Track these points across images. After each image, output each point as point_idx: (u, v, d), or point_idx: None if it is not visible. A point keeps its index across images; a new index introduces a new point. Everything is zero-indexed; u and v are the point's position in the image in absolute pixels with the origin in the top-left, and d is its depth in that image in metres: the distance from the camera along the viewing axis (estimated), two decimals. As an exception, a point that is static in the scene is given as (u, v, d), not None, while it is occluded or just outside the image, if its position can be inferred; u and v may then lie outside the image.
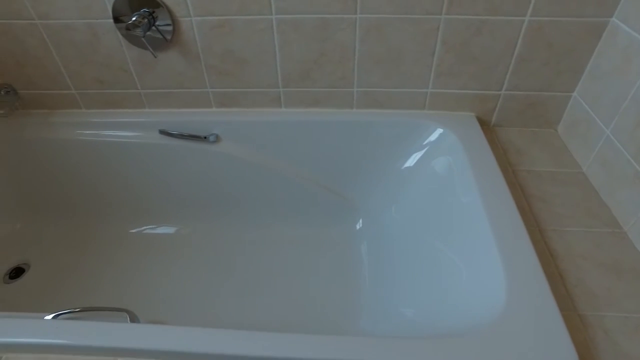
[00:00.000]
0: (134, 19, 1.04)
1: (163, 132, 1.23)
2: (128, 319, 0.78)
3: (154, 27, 1.08)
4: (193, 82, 1.19)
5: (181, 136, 1.23)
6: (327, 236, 1.33)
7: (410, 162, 1.21)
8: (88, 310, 0.79)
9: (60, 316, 0.78)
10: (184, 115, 1.23)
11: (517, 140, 1.20)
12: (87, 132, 1.28)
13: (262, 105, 1.22)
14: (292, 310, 1.17)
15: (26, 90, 1.26)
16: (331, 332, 0.95)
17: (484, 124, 1.23)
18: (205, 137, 1.22)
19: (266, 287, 1.24)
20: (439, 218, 1.09)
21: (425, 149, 1.19)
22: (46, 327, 0.75)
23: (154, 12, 1.07)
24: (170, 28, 1.08)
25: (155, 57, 1.11)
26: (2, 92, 1.25)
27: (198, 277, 1.28)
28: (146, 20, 1.05)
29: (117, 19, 1.08)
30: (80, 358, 0.74)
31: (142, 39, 1.07)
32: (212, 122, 1.21)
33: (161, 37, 1.10)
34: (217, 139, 1.23)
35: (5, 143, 1.30)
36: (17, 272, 1.33)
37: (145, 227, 1.44)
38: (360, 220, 1.31)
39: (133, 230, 1.44)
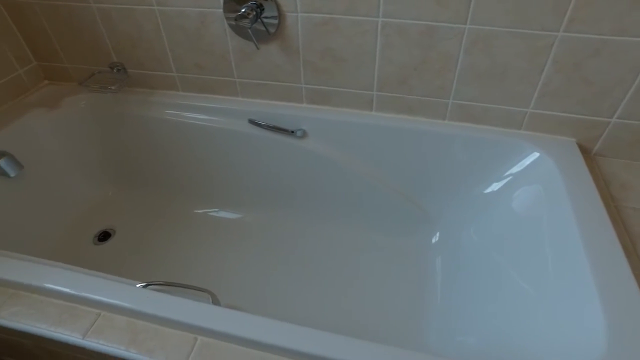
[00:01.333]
0: (243, 10, 1.08)
1: (252, 122, 1.27)
2: (210, 300, 0.81)
3: (259, 20, 1.11)
4: (288, 76, 1.21)
5: (269, 128, 1.26)
6: (402, 245, 1.31)
7: (499, 183, 1.16)
8: (175, 286, 0.82)
9: (149, 286, 0.82)
10: (275, 107, 1.26)
11: (622, 174, 1.10)
12: (181, 113, 1.34)
13: (353, 107, 1.22)
14: (358, 313, 1.16)
15: (134, 70, 1.35)
16: (395, 342, 0.93)
17: (584, 151, 1.14)
18: (292, 132, 1.24)
19: (334, 287, 1.24)
20: (522, 248, 1.02)
21: (517, 171, 1.13)
22: (139, 295, 0.79)
23: (261, 5, 1.09)
24: (275, 22, 1.10)
25: (258, 48, 1.14)
26: (114, 70, 1.35)
27: (265, 266, 1.31)
28: (254, 12, 1.08)
29: (226, 10, 1.12)
30: (164, 329, 0.78)
31: (249, 30, 1.10)
32: (301, 118, 1.23)
33: (264, 29, 1.12)
34: (304, 134, 1.24)
35: (110, 116, 1.40)
36: (104, 236, 1.44)
37: (210, 210, 1.50)
38: (438, 234, 1.27)
39: (198, 211, 1.51)
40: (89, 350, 0.79)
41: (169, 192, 1.53)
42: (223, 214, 1.49)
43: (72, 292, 0.81)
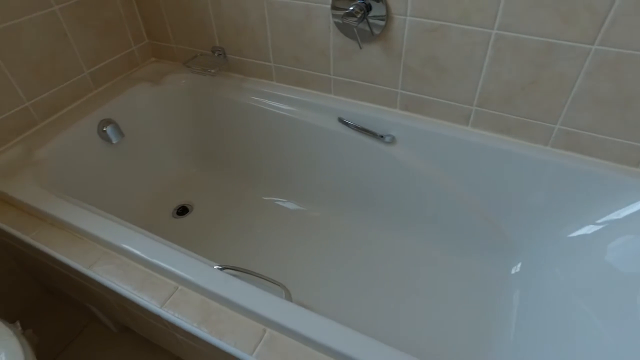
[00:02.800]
0: (351, 8, 1.06)
1: (342, 121, 1.26)
2: (283, 295, 0.81)
3: (365, 20, 1.09)
4: (385, 80, 1.18)
5: (358, 129, 1.24)
6: (477, 268, 1.23)
7: (599, 225, 1.05)
8: (252, 274, 0.83)
9: (226, 270, 0.84)
10: (366, 109, 1.24)
11: None
12: (271, 102, 1.36)
13: (448, 119, 1.17)
14: (422, 332, 1.12)
15: (233, 55, 1.39)
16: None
17: None
18: (381, 136, 1.21)
19: (401, 301, 1.20)
20: (615, 304, 0.92)
21: (623, 216, 1.02)
22: (217, 277, 0.81)
23: (370, 4, 1.07)
24: (381, 23, 1.08)
25: (361, 48, 1.12)
26: (215, 54, 1.40)
27: (331, 266, 1.30)
28: (362, 11, 1.07)
29: (334, 6, 1.11)
30: (235, 315, 0.80)
31: (354, 28, 1.09)
32: (392, 123, 1.20)
33: (369, 30, 1.10)
34: (393, 140, 1.21)
35: (205, 97, 1.46)
36: (182, 210, 1.50)
37: (277, 199, 1.52)
38: (519, 266, 1.18)
39: (266, 198, 1.53)
40: (164, 319, 0.83)
41: (245, 177, 1.57)
42: (289, 205, 1.51)
43: (157, 262, 0.85)
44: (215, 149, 1.58)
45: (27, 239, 0.98)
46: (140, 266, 0.89)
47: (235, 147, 1.53)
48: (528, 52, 0.97)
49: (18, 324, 0.89)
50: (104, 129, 1.33)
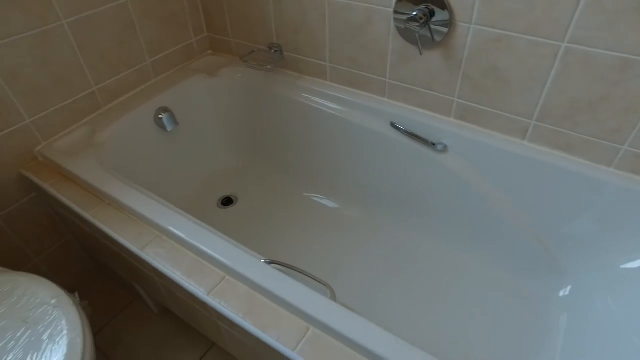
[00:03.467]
0: (414, 13, 1.05)
1: (394, 126, 1.25)
2: (329, 295, 0.81)
3: (427, 25, 1.08)
4: (442, 87, 1.16)
5: (410, 135, 1.22)
6: (522, 287, 1.20)
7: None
8: (299, 272, 0.84)
9: (273, 264, 0.85)
10: (419, 115, 1.22)
11: None
12: (324, 102, 1.37)
13: (504, 132, 1.13)
14: (462, 344, 1.10)
15: (290, 53, 1.41)
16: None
17: None
18: (433, 144, 1.19)
19: (436, 309, 1.18)
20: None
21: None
22: (264, 271, 0.83)
23: (434, 10, 1.06)
24: (444, 30, 1.06)
25: (421, 54, 1.11)
26: (272, 51, 1.42)
27: (369, 270, 1.30)
28: (425, 17, 1.05)
29: (396, 10, 1.10)
30: (280, 310, 0.81)
31: (416, 34, 1.08)
32: (445, 132, 1.18)
33: (430, 36, 1.09)
34: (445, 149, 1.19)
35: (259, 92, 1.48)
36: (227, 201, 1.54)
37: (315, 195, 1.54)
38: (568, 289, 1.13)
39: (305, 194, 1.55)
40: (209, 307, 0.85)
41: (289, 172, 1.59)
42: (329, 202, 1.52)
43: (207, 250, 0.87)
44: (263, 143, 1.61)
45: (87, 215, 1.03)
46: (190, 253, 0.92)
47: (282, 142, 1.55)
48: (600, 68, 0.93)
49: (77, 294, 0.94)
50: (160, 116, 1.38)
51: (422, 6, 1.06)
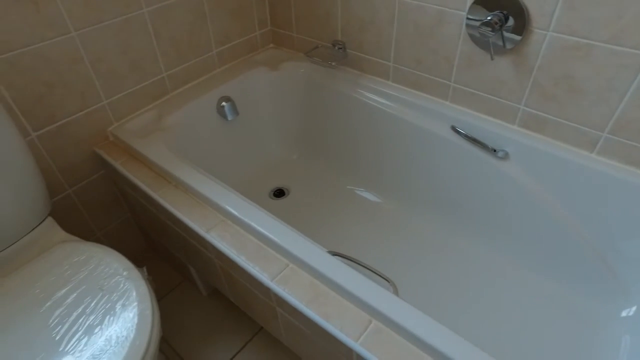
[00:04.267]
0: (489, 18, 1.04)
1: (454, 129, 1.24)
2: (391, 290, 0.82)
3: (500, 31, 1.07)
4: (509, 94, 1.15)
5: (470, 139, 1.22)
6: (581, 303, 1.16)
7: None
8: (361, 265, 0.86)
9: (336, 256, 0.86)
10: (481, 121, 1.21)
11: None
12: (384, 101, 1.38)
13: (570, 143, 1.11)
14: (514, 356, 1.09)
15: (353, 51, 1.42)
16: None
17: None
18: (494, 150, 1.18)
19: (488, 318, 1.17)
20: None
21: None
22: (328, 261, 0.84)
23: (508, 16, 1.05)
24: (517, 37, 1.05)
25: (492, 59, 1.10)
26: (335, 48, 1.44)
27: (415, 265, 1.32)
28: (500, 22, 1.04)
29: (470, 14, 1.10)
30: (343, 301, 0.82)
31: (489, 39, 1.07)
32: (507, 139, 1.16)
33: (501, 41, 1.08)
34: (506, 156, 1.18)
35: (319, 88, 1.50)
36: (279, 193, 1.57)
37: (358, 188, 1.57)
38: (633, 310, 1.09)
39: (349, 187, 1.58)
40: (273, 292, 0.87)
41: (337, 167, 1.62)
42: (366, 195, 1.55)
43: (273, 238, 0.90)
44: (318, 138, 1.63)
45: (155, 195, 1.08)
46: (254, 239, 0.95)
47: (335, 137, 1.57)
48: (684, 84, 0.90)
49: (145, 269, 0.99)
50: (222, 105, 1.42)
51: (496, 11, 1.06)
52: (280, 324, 1.01)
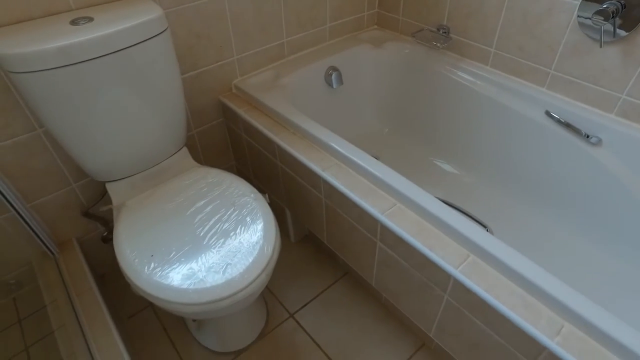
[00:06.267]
0: (605, 5, 1.11)
1: (548, 114, 1.32)
2: (487, 231, 0.92)
3: (613, 20, 1.12)
4: (610, 83, 1.21)
5: (564, 124, 1.28)
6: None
7: None
8: (459, 210, 0.96)
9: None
10: (577, 108, 1.27)
11: None
12: (482, 83, 1.46)
13: (670, 134, 1.15)
14: None
15: (456, 36, 1.52)
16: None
17: None
18: (587, 136, 1.24)
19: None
20: None
21: None
22: (432, 201, 0.96)
23: (625, 4, 1.10)
24: (630, 26, 1.10)
25: (601, 47, 1.17)
26: (440, 32, 1.55)
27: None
28: (616, 10, 1.10)
29: (583, 3, 1.16)
30: (444, 237, 0.94)
31: (601, 27, 1.13)
32: (602, 126, 1.22)
33: (612, 30, 1.14)
34: (599, 142, 1.24)
35: (420, 67, 1.62)
36: (367, 161, 1.71)
37: (437, 159, 1.68)
38: None
39: (430, 158, 1.69)
40: (381, 224, 1.01)
41: (425, 142, 1.73)
42: (446, 167, 1.64)
43: (384, 178, 1.03)
44: (408, 114, 1.75)
45: (276, 139, 1.25)
46: (365, 180, 1.09)
47: (428, 116, 1.68)
48: None
49: (267, 196, 1.16)
50: (330, 73, 1.57)
51: (612, 0, 1.12)
52: (376, 262, 1.14)
